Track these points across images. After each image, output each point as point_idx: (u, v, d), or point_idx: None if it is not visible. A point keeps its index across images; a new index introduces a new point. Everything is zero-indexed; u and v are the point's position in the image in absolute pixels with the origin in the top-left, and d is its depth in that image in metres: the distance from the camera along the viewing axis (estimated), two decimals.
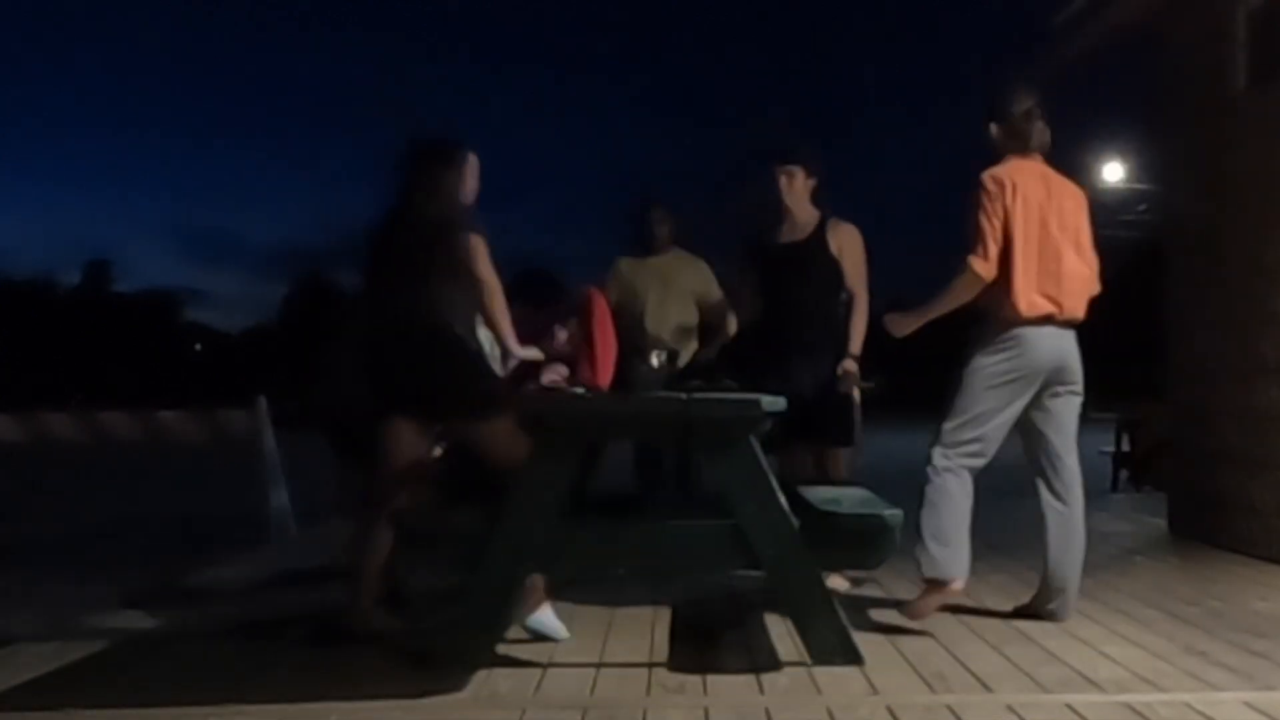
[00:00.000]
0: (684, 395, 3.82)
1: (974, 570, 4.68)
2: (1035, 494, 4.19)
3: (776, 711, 3.03)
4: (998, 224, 4.02)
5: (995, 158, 4.20)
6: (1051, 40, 7.55)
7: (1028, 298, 4.01)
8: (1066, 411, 4.16)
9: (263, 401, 7.87)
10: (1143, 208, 39.50)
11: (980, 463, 4.11)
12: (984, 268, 4.01)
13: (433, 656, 3.53)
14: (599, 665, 3.54)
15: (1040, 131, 4.25)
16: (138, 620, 4.53)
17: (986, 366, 4.06)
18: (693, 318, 5.47)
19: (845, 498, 3.96)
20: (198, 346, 63.60)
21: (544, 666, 3.53)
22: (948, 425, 4.10)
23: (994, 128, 4.24)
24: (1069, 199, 4.20)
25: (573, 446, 3.62)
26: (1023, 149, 4.19)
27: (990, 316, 4.09)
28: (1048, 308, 4.03)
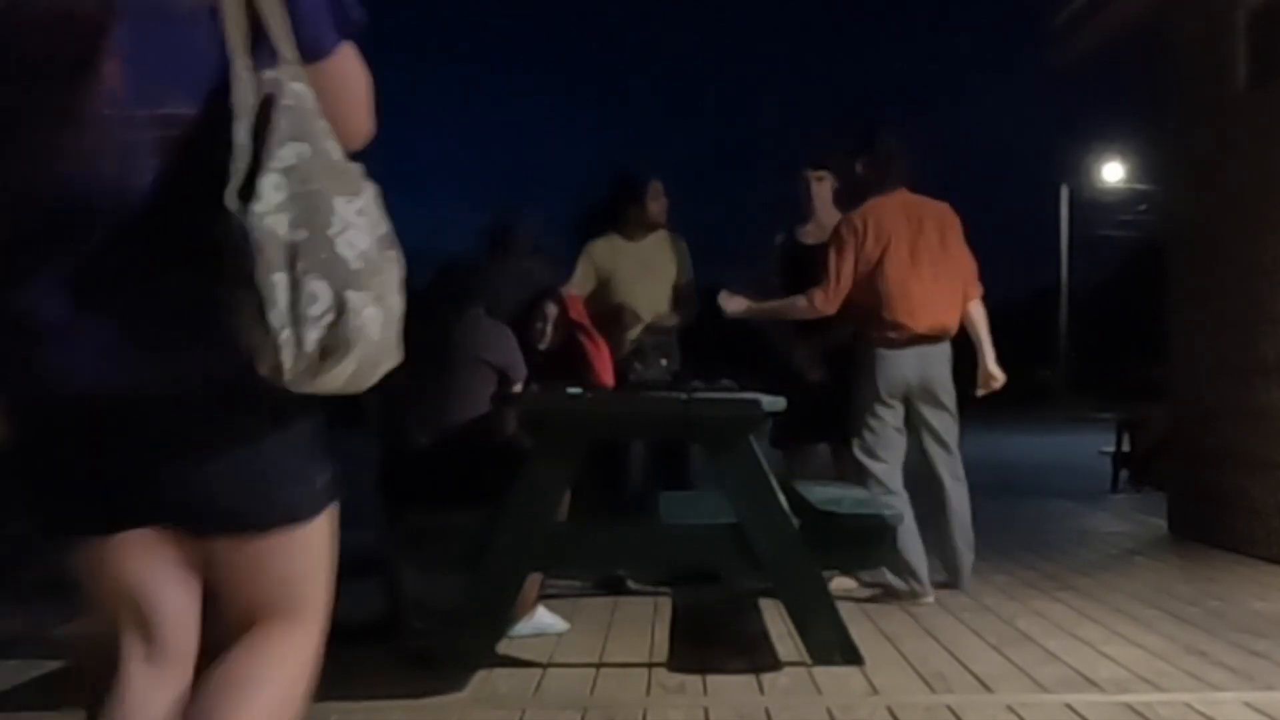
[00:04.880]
0: (684, 395, 3.83)
1: (974, 570, 4.71)
2: (932, 482, 4.60)
3: (776, 711, 3.03)
4: (847, 266, 4.48)
5: (860, 192, 4.64)
6: (1051, 40, 7.56)
7: (885, 325, 4.44)
8: (938, 419, 4.57)
9: None
10: (1143, 208, 39.52)
11: (895, 476, 4.48)
12: (822, 302, 4.52)
13: (433, 656, 3.53)
14: (599, 665, 3.54)
15: (899, 174, 4.61)
16: None
17: (862, 389, 4.50)
18: (667, 304, 5.19)
19: (845, 498, 3.96)
20: None
21: (544, 666, 3.53)
22: (857, 450, 4.51)
23: (859, 166, 4.66)
24: (930, 220, 4.58)
25: (573, 446, 3.61)
26: (881, 189, 4.57)
27: (860, 343, 4.54)
28: (904, 332, 4.44)
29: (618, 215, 5.13)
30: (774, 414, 3.90)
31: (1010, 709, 3.02)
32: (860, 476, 4.47)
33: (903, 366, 4.47)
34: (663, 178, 5.24)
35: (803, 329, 4.97)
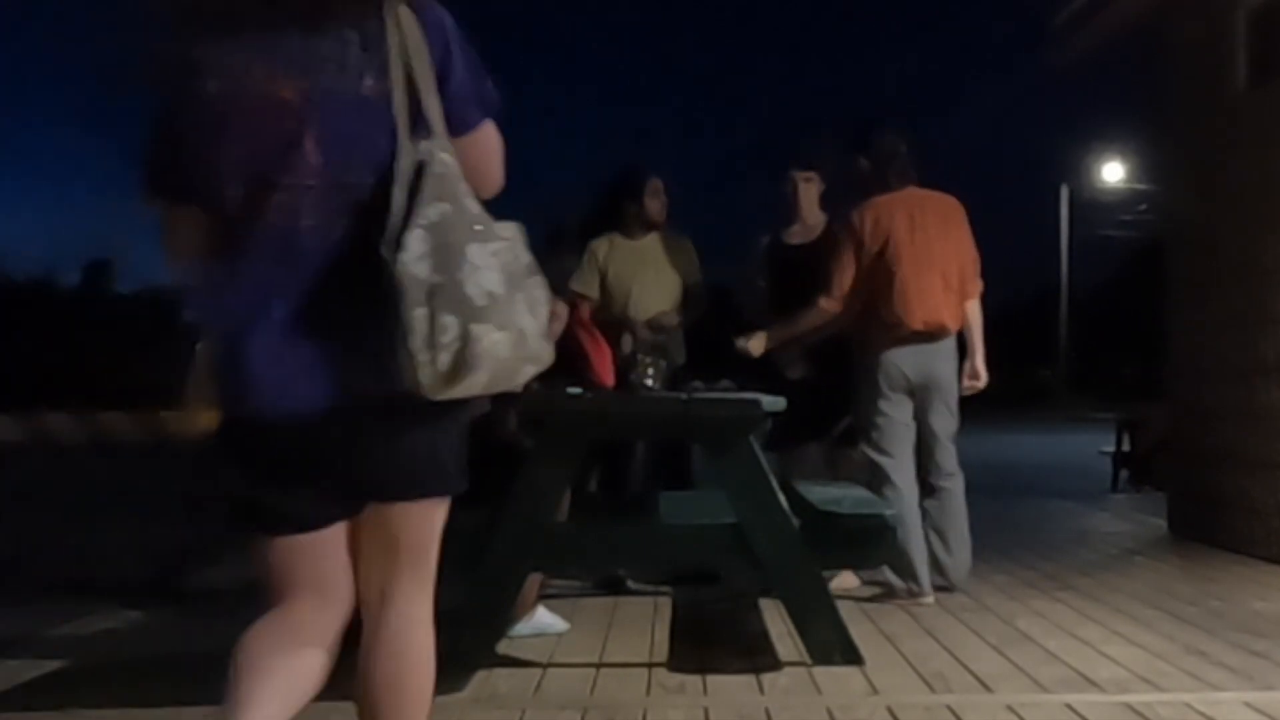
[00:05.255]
0: (684, 395, 3.83)
1: (974, 570, 4.71)
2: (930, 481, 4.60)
3: (776, 711, 3.03)
4: (848, 265, 4.51)
5: (862, 190, 4.63)
6: (1051, 40, 7.56)
7: (883, 322, 4.47)
8: (938, 417, 4.58)
9: None
10: (1143, 208, 39.54)
11: (905, 469, 4.49)
12: (829, 305, 4.54)
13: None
14: (599, 665, 3.54)
15: (902, 172, 4.61)
16: (138, 620, 4.54)
17: (864, 387, 4.54)
18: (675, 302, 5.15)
19: (845, 497, 3.96)
20: (198, 346, 63.55)
21: (544, 666, 3.53)
22: (865, 448, 4.53)
23: (863, 163, 4.64)
24: (932, 214, 4.58)
25: (573, 446, 3.62)
26: (885, 187, 4.57)
27: (861, 341, 4.57)
28: (903, 329, 4.46)
29: (617, 214, 5.10)
30: (774, 414, 3.90)
31: (1010, 709, 3.02)
32: (872, 472, 4.48)
33: (902, 363, 4.49)
34: (663, 177, 5.20)
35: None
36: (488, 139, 1.86)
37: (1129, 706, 3.02)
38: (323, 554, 1.87)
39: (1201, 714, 2.96)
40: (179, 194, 1.79)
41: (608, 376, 4.66)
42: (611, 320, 4.94)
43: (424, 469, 1.84)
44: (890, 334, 4.48)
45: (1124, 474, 10.25)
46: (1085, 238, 42.87)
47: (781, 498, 3.56)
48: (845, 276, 4.52)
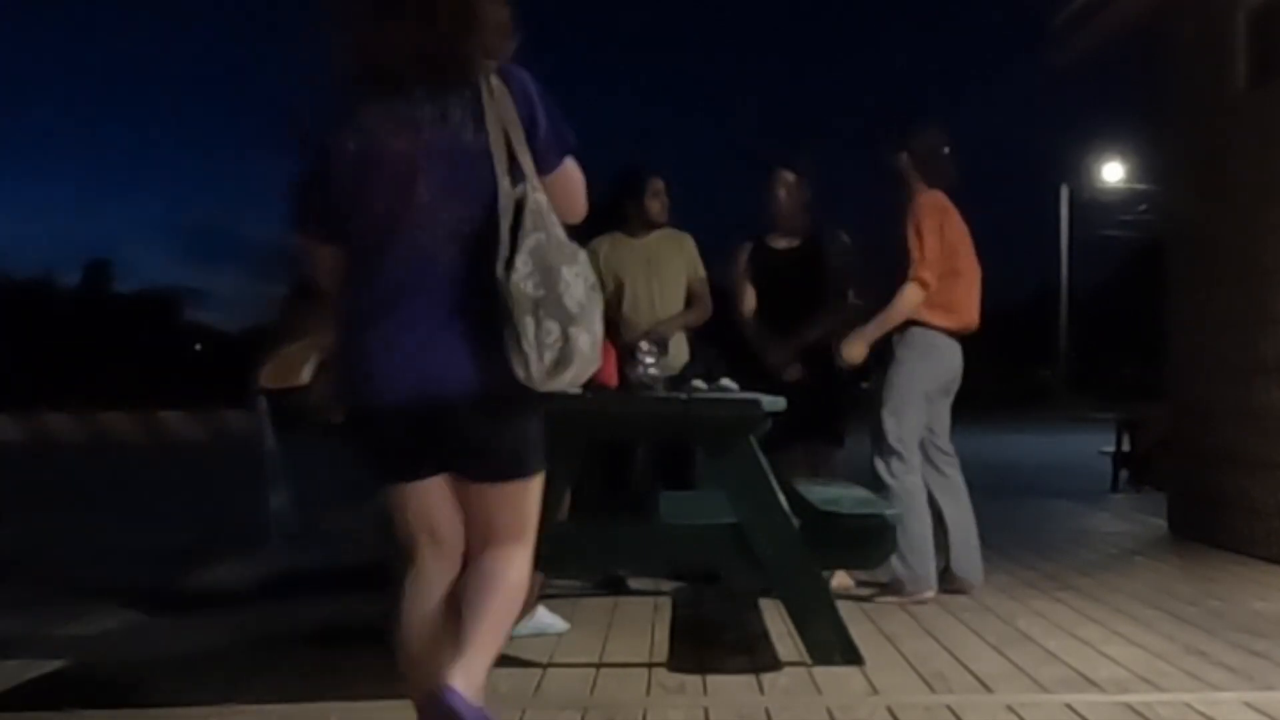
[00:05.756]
0: (684, 395, 3.83)
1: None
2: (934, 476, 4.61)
3: (776, 711, 3.03)
4: (936, 246, 4.43)
5: (902, 187, 4.59)
6: (1051, 40, 7.56)
7: (959, 312, 4.52)
8: (941, 412, 4.63)
9: (263, 401, 7.85)
10: (1143, 208, 39.52)
11: (914, 450, 4.50)
12: (929, 280, 4.43)
13: None
14: (599, 665, 3.54)
15: (944, 175, 4.63)
16: (138, 620, 4.54)
17: (917, 373, 4.48)
18: (680, 303, 5.16)
19: (845, 498, 3.96)
20: (198, 346, 63.49)
21: (544, 666, 3.53)
22: (894, 432, 4.44)
23: (907, 158, 4.58)
24: (963, 223, 4.63)
25: (573, 446, 3.61)
26: (937, 183, 4.57)
27: (915, 326, 4.48)
28: (959, 327, 4.52)
29: (618, 214, 5.09)
30: (774, 414, 3.90)
31: (1010, 709, 3.02)
32: (877, 444, 4.46)
33: (955, 362, 4.55)
34: (664, 177, 5.20)
35: (778, 329, 4.96)
36: (569, 175, 2.32)
37: (1129, 706, 3.02)
38: (431, 504, 2.31)
39: (1201, 714, 2.96)
40: (326, 231, 2.28)
41: (610, 377, 4.65)
42: (613, 320, 4.94)
43: (508, 458, 2.28)
44: (948, 331, 4.49)
45: (1124, 474, 10.24)
46: (1085, 238, 42.88)
47: (781, 498, 3.56)
48: (934, 255, 4.43)
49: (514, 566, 2.33)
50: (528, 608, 3.88)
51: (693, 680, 3.37)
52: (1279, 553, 5.43)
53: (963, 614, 4.24)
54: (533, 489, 2.36)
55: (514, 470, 2.29)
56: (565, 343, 2.10)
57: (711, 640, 3.93)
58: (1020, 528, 6.60)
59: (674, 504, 4.12)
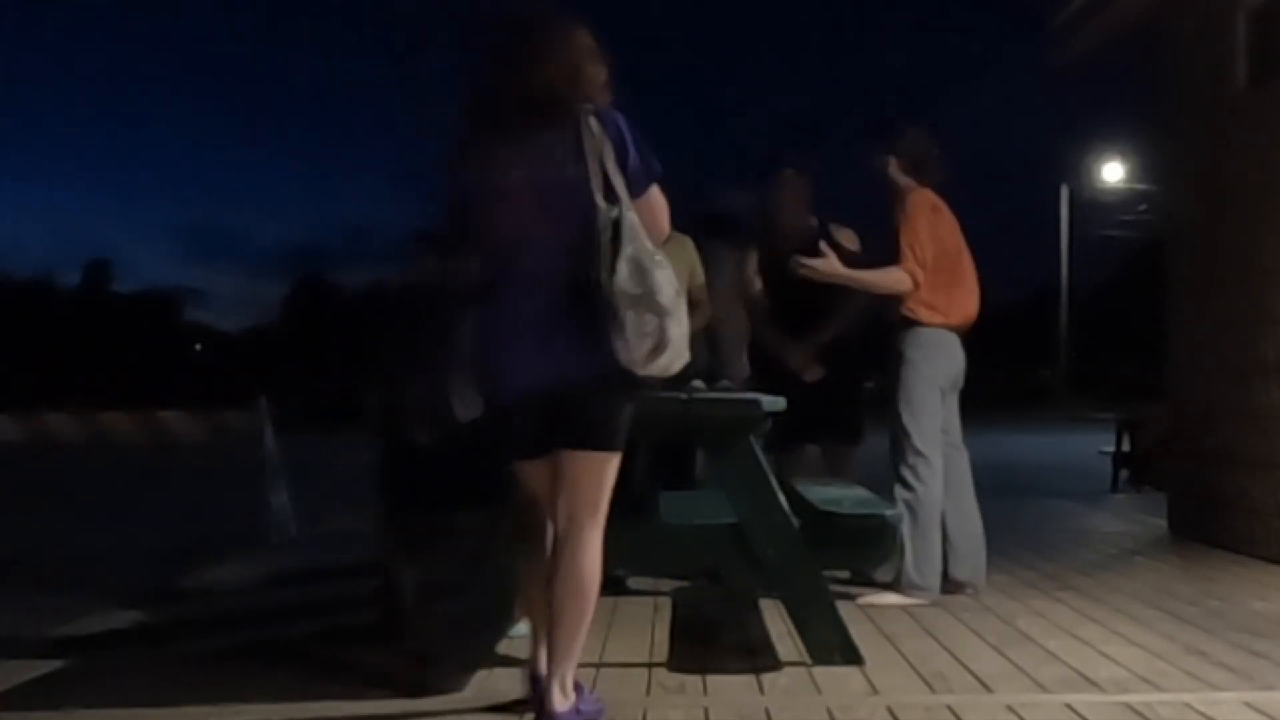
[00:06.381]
0: (684, 395, 3.82)
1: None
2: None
3: (776, 711, 3.03)
4: (928, 241, 4.46)
5: (894, 190, 4.59)
6: (1051, 40, 7.55)
7: (957, 308, 4.54)
8: (950, 409, 4.62)
9: (263, 401, 7.87)
10: (1143, 208, 39.51)
11: (936, 441, 4.49)
12: (915, 273, 4.43)
13: (433, 656, 3.53)
14: (599, 665, 3.54)
15: (934, 175, 4.64)
16: (138, 620, 4.54)
17: (927, 369, 4.49)
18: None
19: (845, 498, 3.96)
20: (198, 346, 63.46)
21: None
22: (916, 434, 4.42)
23: (898, 162, 4.61)
24: (954, 219, 4.65)
25: None
26: (927, 183, 4.59)
27: (917, 326, 4.49)
28: (958, 323, 4.55)
29: None
30: (774, 414, 3.89)
31: (1010, 709, 3.02)
32: (899, 449, 4.45)
33: (958, 357, 4.57)
34: (663, 176, 5.19)
35: (795, 330, 4.97)
36: (655, 200, 2.82)
37: (1129, 706, 3.02)
38: (544, 476, 2.81)
39: (1201, 714, 2.96)
40: (464, 250, 2.80)
41: None
42: None
43: (602, 430, 2.73)
44: (950, 327, 4.53)
45: (1124, 474, 10.25)
46: (1085, 238, 42.85)
47: (781, 498, 3.56)
48: (925, 252, 4.46)
49: (587, 554, 2.78)
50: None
51: (693, 680, 3.37)
52: (1279, 553, 5.43)
53: (963, 614, 4.24)
54: (613, 464, 2.77)
55: (604, 441, 2.73)
56: (661, 334, 2.58)
57: (711, 640, 3.93)
58: (1020, 528, 6.60)
59: (674, 504, 4.12)
